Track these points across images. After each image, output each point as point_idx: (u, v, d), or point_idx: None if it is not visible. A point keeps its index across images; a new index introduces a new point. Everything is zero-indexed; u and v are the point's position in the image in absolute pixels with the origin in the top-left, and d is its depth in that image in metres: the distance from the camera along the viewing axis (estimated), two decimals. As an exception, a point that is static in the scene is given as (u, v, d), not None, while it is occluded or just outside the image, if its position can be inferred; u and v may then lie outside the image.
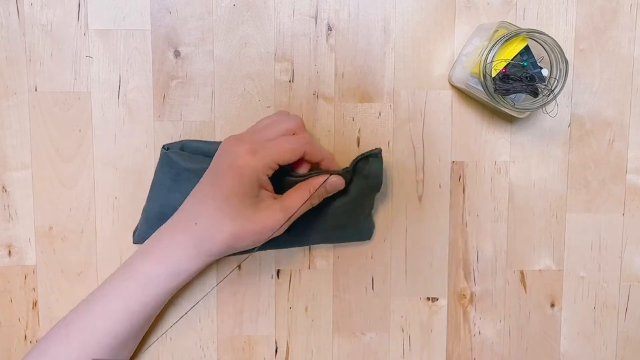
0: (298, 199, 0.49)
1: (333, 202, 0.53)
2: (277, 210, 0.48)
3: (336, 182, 0.51)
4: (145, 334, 0.55)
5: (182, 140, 0.54)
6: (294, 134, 0.50)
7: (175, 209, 0.50)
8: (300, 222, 0.50)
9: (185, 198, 0.49)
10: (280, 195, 0.49)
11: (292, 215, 0.48)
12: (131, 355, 0.54)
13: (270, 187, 0.49)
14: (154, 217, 0.53)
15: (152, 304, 0.49)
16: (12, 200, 0.55)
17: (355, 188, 0.53)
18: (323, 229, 0.54)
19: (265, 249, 0.55)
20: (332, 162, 0.52)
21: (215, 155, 0.49)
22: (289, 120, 0.50)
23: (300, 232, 0.53)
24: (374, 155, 0.52)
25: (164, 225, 0.50)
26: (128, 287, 0.49)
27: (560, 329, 0.59)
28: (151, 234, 0.51)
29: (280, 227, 0.48)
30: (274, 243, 0.51)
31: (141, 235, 0.54)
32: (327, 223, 0.54)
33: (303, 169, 0.51)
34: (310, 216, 0.52)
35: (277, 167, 0.48)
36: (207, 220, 0.47)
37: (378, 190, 0.54)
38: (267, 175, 0.48)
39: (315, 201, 0.50)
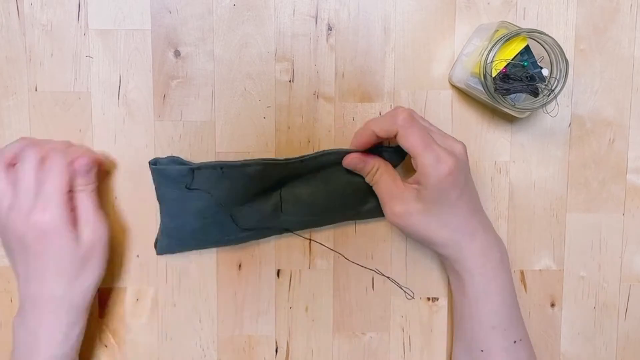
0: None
1: (349, 178, 0.53)
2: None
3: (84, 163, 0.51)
4: (146, 334, 0.55)
5: (167, 157, 0.53)
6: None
7: (190, 215, 0.51)
8: (322, 201, 0.52)
9: (198, 200, 0.51)
10: None
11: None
12: None
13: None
14: (173, 229, 0.53)
15: None
16: (12, 200, 0.55)
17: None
18: (345, 207, 0.54)
19: (293, 231, 0.55)
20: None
21: None
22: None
23: (323, 210, 0.54)
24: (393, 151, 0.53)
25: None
26: None
27: (560, 329, 0.59)
28: (173, 245, 0.54)
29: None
30: (300, 224, 0.53)
31: (163, 248, 0.54)
32: (348, 200, 0.54)
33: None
34: (331, 195, 0.53)
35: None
36: (60, 287, 0.50)
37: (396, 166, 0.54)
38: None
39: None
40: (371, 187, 0.53)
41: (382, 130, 0.49)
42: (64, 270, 0.49)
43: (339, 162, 0.52)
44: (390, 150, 0.53)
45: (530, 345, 0.53)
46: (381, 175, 0.51)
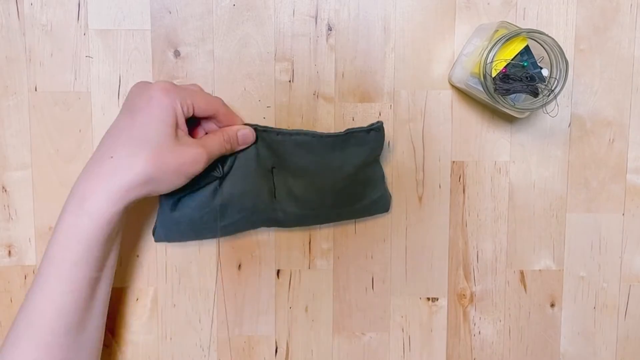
0: (216, 140, 0.49)
1: (339, 173, 0.53)
2: (196, 146, 0.47)
3: (247, 134, 0.51)
4: (146, 334, 0.55)
5: None
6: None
7: (190, 208, 0.51)
8: (314, 197, 0.52)
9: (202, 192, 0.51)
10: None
11: (213, 152, 0.49)
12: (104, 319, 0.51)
13: (186, 130, 0.48)
14: (170, 221, 0.53)
15: (85, 261, 0.45)
16: (12, 200, 0.55)
17: (357, 157, 0.52)
18: (339, 203, 0.54)
19: (286, 226, 0.55)
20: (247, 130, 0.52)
21: (128, 94, 0.47)
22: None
23: (316, 207, 0.53)
24: (377, 129, 0.52)
25: (83, 169, 0.47)
26: (54, 255, 0.45)
27: (560, 329, 0.59)
28: (170, 236, 0.53)
29: (200, 163, 0.47)
30: (295, 218, 0.53)
31: (160, 237, 0.54)
32: (342, 197, 0.54)
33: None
34: (323, 191, 0.52)
35: (191, 113, 0.47)
36: (123, 150, 0.45)
37: (378, 155, 0.54)
38: (185, 115, 0.47)
39: (229, 146, 0.50)
40: (365, 183, 0.53)
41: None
42: (152, 140, 0.45)
43: (325, 158, 0.52)
44: (359, 132, 0.52)
45: None
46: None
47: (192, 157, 0.46)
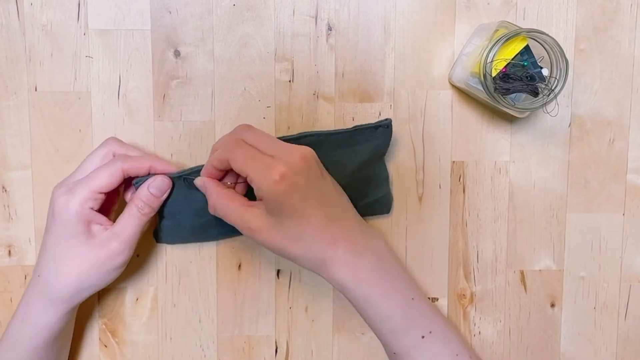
0: (127, 219, 0.49)
1: (343, 169, 0.52)
2: (108, 240, 0.48)
3: (159, 183, 0.49)
4: (146, 334, 0.55)
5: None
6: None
7: (189, 215, 0.52)
8: None
9: (198, 201, 0.50)
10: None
11: (130, 237, 0.48)
12: None
13: (103, 219, 0.49)
14: (171, 226, 0.53)
15: None
16: (12, 200, 0.55)
17: (363, 154, 0.52)
18: None
19: None
20: (160, 164, 0.50)
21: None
22: (100, 147, 0.51)
23: None
24: (385, 126, 0.52)
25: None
26: (2, 356, 0.49)
27: (560, 329, 0.58)
28: (170, 239, 0.54)
29: (122, 254, 0.48)
30: None
31: (161, 239, 0.55)
32: (347, 193, 0.52)
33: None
34: None
35: (101, 197, 0.48)
36: (46, 268, 0.49)
37: (384, 153, 0.54)
38: (93, 208, 0.48)
39: (147, 210, 0.49)
40: (368, 181, 0.53)
41: (219, 162, 0.47)
42: (68, 251, 0.48)
43: (331, 155, 0.52)
44: (367, 129, 0.52)
45: (446, 331, 0.50)
46: (219, 200, 0.48)
47: (108, 254, 0.48)
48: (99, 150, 0.50)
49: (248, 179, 0.45)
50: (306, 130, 0.52)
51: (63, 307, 0.49)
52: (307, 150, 0.46)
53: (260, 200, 0.46)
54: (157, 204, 0.49)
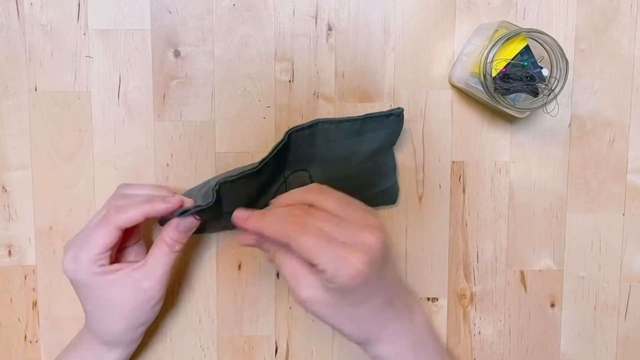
0: (159, 257, 0.48)
1: (353, 158, 0.53)
2: (141, 281, 0.48)
3: (187, 221, 0.47)
4: (145, 334, 0.55)
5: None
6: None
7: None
8: (326, 183, 0.50)
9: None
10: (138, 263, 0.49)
11: (162, 274, 0.48)
12: None
13: (125, 265, 0.48)
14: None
15: None
16: (12, 200, 0.55)
17: (373, 142, 0.53)
18: (350, 190, 0.54)
19: None
20: (155, 209, 0.47)
21: None
22: (102, 209, 0.50)
23: None
24: (397, 115, 0.52)
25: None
26: None
27: (560, 329, 0.58)
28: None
29: (159, 290, 0.48)
30: None
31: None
32: (353, 183, 0.53)
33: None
34: (335, 178, 0.52)
35: (107, 253, 0.47)
36: (94, 322, 0.50)
37: (394, 143, 0.54)
38: (104, 264, 0.47)
39: (178, 247, 0.48)
40: (377, 171, 0.53)
41: (271, 235, 0.43)
42: (103, 308, 0.49)
43: (342, 143, 0.52)
44: (378, 117, 0.51)
45: None
46: (283, 255, 0.45)
47: (145, 296, 0.48)
48: (100, 212, 0.49)
49: (318, 267, 0.41)
50: (317, 118, 0.52)
51: (123, 346, 0.50)
52: (381, 230, 0.43)
53: (326, 282, 0.42)
54: (186, 239, 0.49)
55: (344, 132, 0.52)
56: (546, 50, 0.49)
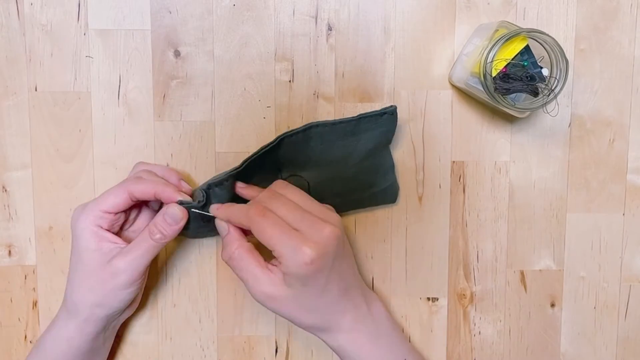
0: (137, 242, 0.48)
1: (350, 158, 0.53)
2: (114, 257, 0.48)
3: (174, 211, 0.48)
4: (146, 334, 0.55)
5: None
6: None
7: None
8: (323, 186, 0.52)
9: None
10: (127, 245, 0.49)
11: (136, 258, 0.48)
12: None
13: (117, 239, 0.49)
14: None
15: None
16: (12, 200, 0.55)
17: (369, 141, 0.53)
18: (348, 191, 0.54)
19: None
20: (166, 192, 0.48)
21: None
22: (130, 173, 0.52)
23: (326, 196, 0.53)
24: (390, 113, 0.52)
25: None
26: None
27: (560, 329, 0.58)
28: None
29: (126, 272, 0.48)
30: None
31: None
32: (352, 184, 0.54)
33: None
34: (333, 179, 0.52)
35: (109, 216, 0.48)
36: (67, 282, 0.50)
37: (390, 141, 0.54)
38: (102, 227, 0.48)
39: (158, 236, 0.48)
40: (375, 170, 0.53)
41: (237, 222, 0.48)
42: (86, 274, 0.49)
43: (337, 144, 0.52)
44: (372, 116, 0.52)
45: None
46: (239, 250, 0.48)
47: (111, 271, 0.48)
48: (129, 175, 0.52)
49: (274, 253, 0.46)
50: (311, 122, 0.52)
51: (79, 320, 0.49)
52: (336, 225, 0.46)
53: (281, 269, 0.46)
54: (170, 232, 0.48)
55: (339, 133, 0.52)
56: (546, 50, 0.49)
